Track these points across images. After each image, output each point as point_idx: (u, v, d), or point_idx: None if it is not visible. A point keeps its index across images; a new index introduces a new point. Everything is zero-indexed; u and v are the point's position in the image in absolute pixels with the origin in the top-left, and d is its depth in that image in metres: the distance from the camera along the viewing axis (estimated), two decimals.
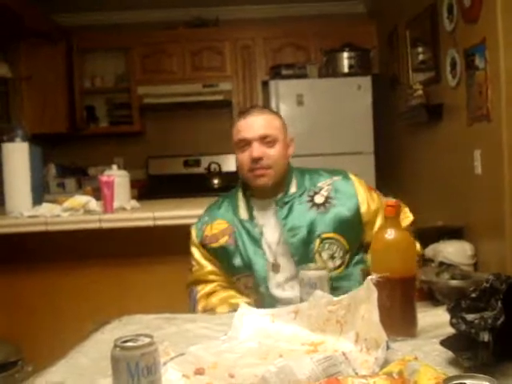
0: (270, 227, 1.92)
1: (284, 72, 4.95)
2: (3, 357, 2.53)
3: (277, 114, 2.02)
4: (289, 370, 0.99)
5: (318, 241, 1.86)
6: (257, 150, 1.86)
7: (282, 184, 1.93)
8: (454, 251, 3.29)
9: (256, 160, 1.86)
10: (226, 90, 5.40)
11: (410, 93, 4.10)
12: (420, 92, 3.93)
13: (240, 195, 1.99)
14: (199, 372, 1.12)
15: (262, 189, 1.92)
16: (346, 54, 4.93)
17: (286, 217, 1.89)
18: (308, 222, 1.88)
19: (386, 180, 4.93)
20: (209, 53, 5.47)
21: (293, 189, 1.94)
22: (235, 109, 5.45)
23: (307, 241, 1.86)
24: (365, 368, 1.07)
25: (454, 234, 3.45)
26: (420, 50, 4.23)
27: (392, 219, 1.35)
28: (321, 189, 1.93)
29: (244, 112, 1.97)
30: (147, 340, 0.95)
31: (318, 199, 1.91)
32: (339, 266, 1.86)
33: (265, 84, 5.26)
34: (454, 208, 3.67)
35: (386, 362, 1.08)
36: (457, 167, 3.56)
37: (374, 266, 1.36)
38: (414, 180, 4.56)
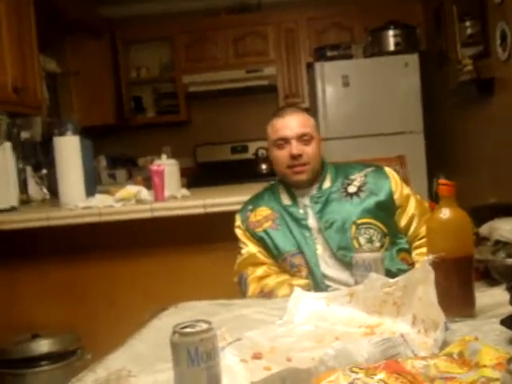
0: (310, 214, 1.98)
1: (329, 53, 4.88)
2: (63, 346, 2.62)
3: (310, 114, 2.10)
4: (347, 353, 0.98)
5: (353, 227, 1.91)
6: (296, 147, 1.94)
7: (317, 178, 2.01)
8: (510, 229, 3.19)
9: (295, 157, 1.94)
10: (271, 75, 5.37)
11: (459, 68, 4.00)
12: (469, 67, 3.84)
13: (280, 185, 2.08)
14: (257, 357, 1.13)
15: (300, 184, 2.00)
16: (391, 32, 4.83)
17: (321, 211, 1.96)
18: (342, 213, 1.94)
19: (437, 159, 4.84)
20: (252, 38, 5.45)
21: (327, 184, 2.02)
22: (280, 93, 5.43)
23: (343, 229, 1.92)
24: (423, 349, 1.06)
25: (510, 210, 3.36)
26: (468, 24, 4.12)
27: (446, 198, 1.33)
28: (353, 180, 2.01)
29: (279, 112, 2.06)
30: (206, 326, 0.96)
31: (351, 189, 1.99)
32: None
33: (309, 66, 5.20)
34: (508, 185, 3.57)
35: (444, 344, 1.07)
36: (509, 143, 3.47)
37: (430, 246, 1.34)
38: (465, 157, 4.47)
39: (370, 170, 2.04)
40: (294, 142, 1.94)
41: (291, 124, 1.96)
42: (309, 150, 1.96)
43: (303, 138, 1.95)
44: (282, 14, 5.41)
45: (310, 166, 1.97)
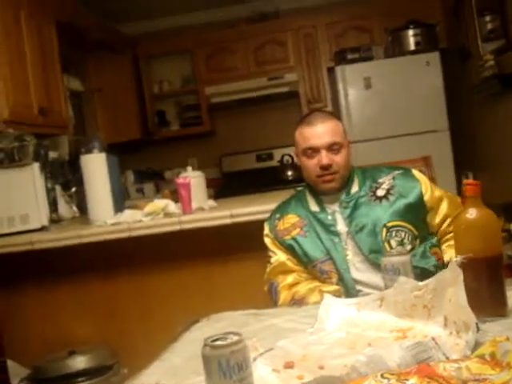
0: (339, 220, 1.98)
1: (349, 56, 4.88)
2: (100, 361, 2.64)
3: (338, 118, 2.08)
4: (378, 359, 0.98)
5: (384, 230, 1.91)
6: (325, 157, 1.94)
7: (345, 183, 2.01)
8: None
9: (325, 167, 1.94)
10: (292, 81, 5.37)
11: (480, 64, 3.97)
12: (491, 62, 3.80)
13: (308, 192, 2.08)
14: (289, 366, 1.13)
15: (329, 191, 2.00)
16: (411, 32, 4.81)
17: (350, 215, 1.95)
18: (372, 216, 1.94)
19: (464, 156, 4.80)
20: (271, 45, 5.47)
21: (355, 188, 2.02)
22: (302, 99, 5.43)
23: (373, 233, 1.91)
24: (456, 352, 1.05)
25: None
26: (488, 18, 4.08)
27: (472, 199, 1.32)
28: (382, 183, 2.00)
29: (307, 118, 2.04)
30: (236, 337, 0.97)
31: (380, 192, 1.98)
32: (410, 251, 1.86)
33: (330, 70, 5.21)
34: None
35: (477, 345, 1.06)
36: None
37: (458, 247, 1.33)
38: (493, 153, 4.41)
39: (397, 172, 2.04)
40: (323, 152, 1.94)
41: (321, 133, 1.95)
42: (338, 159, 1.96)
43: (333, 148, 1.95)
44: (301, 19, 5.41)
45: (340, 175, 1.97)
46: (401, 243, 1.89)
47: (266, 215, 2.17)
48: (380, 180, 2.02)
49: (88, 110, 5.11)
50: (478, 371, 0.89)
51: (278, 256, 2.02)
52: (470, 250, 1.25)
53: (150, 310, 2.81)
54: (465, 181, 1.37)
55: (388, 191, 1.97)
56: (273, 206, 2.20)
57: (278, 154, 5.50)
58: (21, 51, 3.34)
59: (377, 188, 1.99)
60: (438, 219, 1.99)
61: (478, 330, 1.10)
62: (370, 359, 0.98)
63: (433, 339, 1.04)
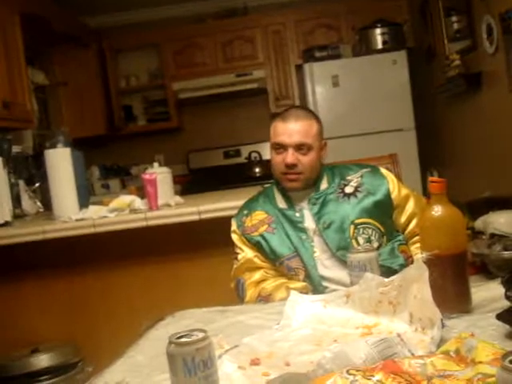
0: (307, 216, 1.98)
1: (317, 54, 4.89)
2: (64, 358, 2.61)
3: (315, 117, 2.04)
4: (344, 355, 0.98)
5: (351, 227, 1.92)
6: (291, 157, 1.93)
7: (313, 182, 2.00)
8: (504, 222, 3.18)
9: (289, 166, 1.93)
10: (260, 78, 5.37)
11: (447, 63, 4.01)
12: (457, 62, 3.85)
13: (275, 189, 2.07)
14: (255, 363, 1.12)
15: (291, 190, 2.00)
16: (378, 30, 4.85)
17: (319, 212, 1.96)
18: (340, 213, 1.94)
19: (430, 155, 4.85)
20: (240, 42, 5.46)
21: (324, 185, 2.02)
22: (270, 95, 5.43)
23: (341, 229, 1.92)
24: (421, 348, 1.06)
25: (504, 203, 3.37)
26: (454, 18, 4.14)
27: (438, 196, 1.33)
28: (350, 181, 2.01)
29: (284, 113, 2.01)
30: (201, 335, 0.96)
31: (348, 189, 1.99)
32: (377, 249, 1.86)
33: (299, 68, 5.22)
34: (501, 177, 3.58)
35: (442, 341, 1.07)
36: (500, 135, 3.48)
37: (423, 244, 1.34)
38: (457, 152, 4.47)
39: (366, 170, 2.05)
40: (290, 151, 1.93)
41: (291, 131, 1.93)
42: (305, 160, 1.94)
43: (301, 148, 1.93)
44: (269, 16, 5.42)
45: (304, 176, 1.95)
46: (368, 240, 1.90)
47: (234, 212, 2.15)
48: (348, 177, 2.02)
49: (53, 104, 5.04)
50: (443, 367, 0.90)
51: (245, 253, 2.01)
52: (436, 247, 1.26)
53: (115, 307, 2.78)
54: (430, 178, 1.38)
55: (356, 188, 1.98)
56: (241, 202, 2.19)
57: (245, 150, 5.50)
58: None
59: (345, 185, 2.00)
60: (403, 218, 2.00)
61: (444, 326, 1.11)
62: (335, 355, 0.98)
63: (398, 335, 1.04)
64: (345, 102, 4.70)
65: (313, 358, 1.07)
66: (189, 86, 5.37)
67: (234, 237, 2.06)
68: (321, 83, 4.75)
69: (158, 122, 5.62)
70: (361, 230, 1.91)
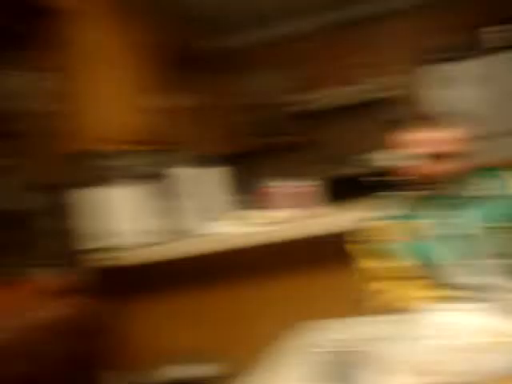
0: (438, 224, 1.94)
1: (439, 56, 4.80)
2: (207, 372, 2.68)
3: (451, 125, 1.99)
4: (480, 364, 0.96)
5: (483, 232, 1.86)
6: (426, 167, 1.91)
7: (449, 185, 1.96)
8: None
9: (426, 176, 1.92)
10: (386, 86, 5.30)
11: None
12: None
13: (406, 195, 2.05)
14: (389, 373, 1.13)
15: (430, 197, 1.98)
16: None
17: (451, 216, 1.92)
18: (472, 217, 1.89)
19: None
20: (365, 50, 5.44)
21: (457, 191, 1.96)
22: (397, 103, 5.33)
23: (472, 235, 1.87)
24: None
25: None
26: None
27: None
28: (480, 185, 1.96)
29: (418, 123, 1.99)
30: (344, 343, 0.97)
31: (479, 194, 1.94)
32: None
33: (421, 70, 5.08)
34: None
35: None
36: None
37: None
38: None
39: (500, 173, 1.99)
40: (426, 161, 1.92)
41: (427, 140, 1.92)
42: (441, 169, 1.92)
43: (438, 156, 1.91)
44: (391, 22, 5.35)
45: (441, 183, 1.93)
46: (500, 245, 1.84)
47: (364, 222, 2.14)
48: (479, 181, 1.97)
49: (182, 125, 5.18)
50: None
51: (373, 262, 2.00)
52: None
53: (253, 320, 2.84)
54: None
55: (486, 192, 1.94)
56: (370, 212, 2.17)
57: (374, 159, 5.40)
58: None
59: (476, 190, 1.95)
60: None
61: None
62: (470, 365, 0.96)
63: None
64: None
65: (448, 367, 1.06)
66: (316, 97, 5.40)
67: (362, 247, 2.05)
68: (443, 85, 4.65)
69: (285, 135, 5.67)
70: (492, 234, 1.86)
